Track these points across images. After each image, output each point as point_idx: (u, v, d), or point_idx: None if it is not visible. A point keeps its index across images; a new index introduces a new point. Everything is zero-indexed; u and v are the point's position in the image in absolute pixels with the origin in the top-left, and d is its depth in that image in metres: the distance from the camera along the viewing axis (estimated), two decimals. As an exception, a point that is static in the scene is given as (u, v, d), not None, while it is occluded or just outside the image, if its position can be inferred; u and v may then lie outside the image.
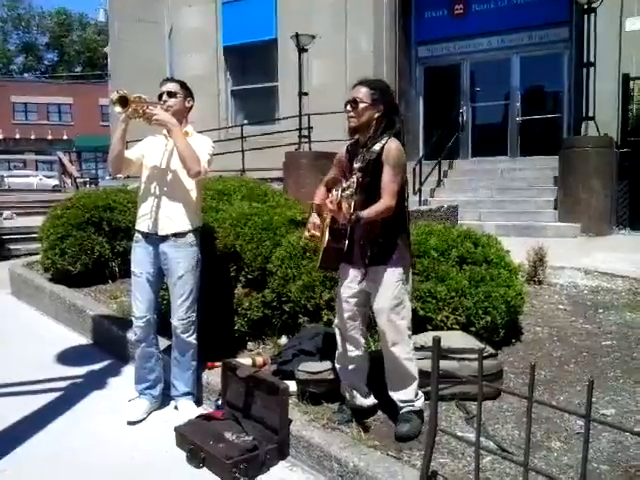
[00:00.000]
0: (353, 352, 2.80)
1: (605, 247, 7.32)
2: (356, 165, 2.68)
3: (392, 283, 2.62)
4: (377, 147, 2.61)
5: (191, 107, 3.31)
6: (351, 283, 2.72)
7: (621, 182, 9.41)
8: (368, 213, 2.53)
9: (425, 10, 13.40)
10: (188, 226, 3.16)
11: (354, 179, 2.56)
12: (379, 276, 2.63)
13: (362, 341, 2.82)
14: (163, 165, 3.18)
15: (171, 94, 3.18)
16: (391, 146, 2.59)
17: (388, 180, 2.56)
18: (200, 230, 3.29)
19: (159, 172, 3.17)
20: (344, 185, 2.52)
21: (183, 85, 3.26)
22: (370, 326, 2.91)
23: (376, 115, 2.66)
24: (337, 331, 2.84)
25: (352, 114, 2.67)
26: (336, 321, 2.85)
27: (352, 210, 2.48)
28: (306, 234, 2.85)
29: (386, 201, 2.55)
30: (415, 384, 2.71)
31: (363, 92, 2.66)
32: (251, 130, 13.14)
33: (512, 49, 12.59)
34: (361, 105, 2.64)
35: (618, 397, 3.02)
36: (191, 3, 14.50)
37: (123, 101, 2.97)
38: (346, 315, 2.75)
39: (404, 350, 2.66)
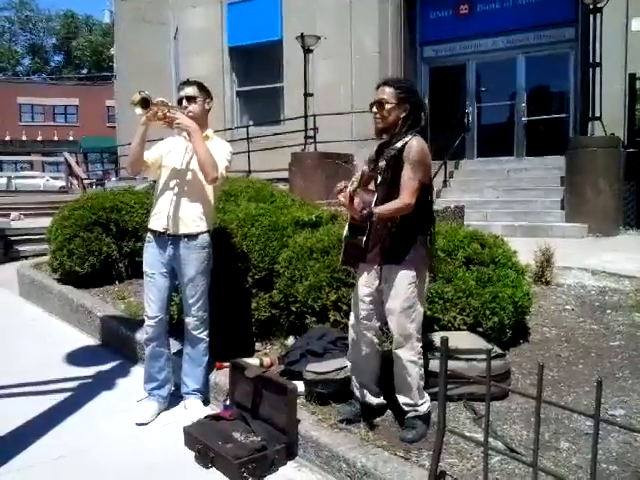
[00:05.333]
0: (365, 351, 2.80)
1: (612, 247, 7.28)
2: (381, 163, 2.67)
3: (404, 285, 2.61)
4: (399, 144, 2.60)
5: (210, 108, 3.31)
6: (367, 282, 2.72)
7: (628, 182, 9.36)
8: (381, 210, 2.53)
9: (430, 10, 13.38)
10: (201, 228, 3.18)
11: (359, 173, 2.54)
12: (392, 276, 2.62)
13: (375, 341, 2.81)
14: (182, 167, 3.19)
15: (190, 99, 3.18)
16: (413, 144, 2.57)
17: (407, 178, 2.54)
18: (211, 231, 3.31)
19: (177, 173, 3.19)
20: (353, 179, 2.51)
21: (201, 87, 3.26)
22: (384, 325, 2.90)
23: (402, 115, 2.65)
24: (350, 329, 2.84)
25: (378, 115, 2.66)
26: (351, 319, 2.84)
27: (363, 205, 2.48)
28: (340, 198, 2.57)
29: (403, 199, 2.54)
30: (418, 388, 2.70)
31: (388, 92, 2.64)
32: (257, 131, 13.15)
33: (518, 49, 12.54)
34: (387, 106, 2.63)
35: (627, 398, 3.01)
36: (196, 4, 14.53)
37: (144, 103, 2.97)
38: (362, 314, 2.75)
39: (409, 353, 2.65)
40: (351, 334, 2.84)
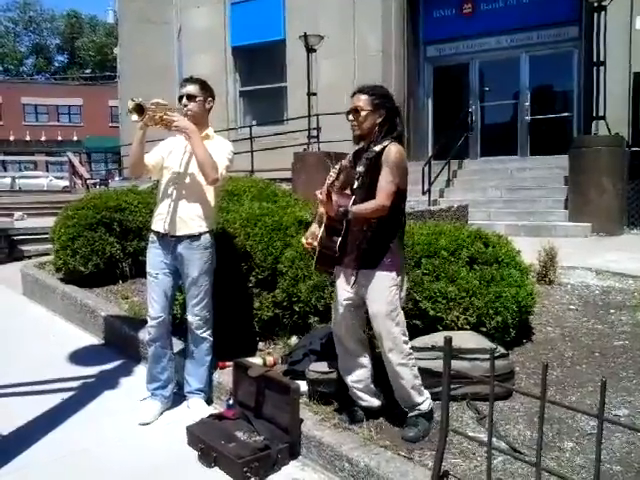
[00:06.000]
0: (354, 354, 2.80)
1: (616, 247, 7.27)
2: (359, 168, 2.68)
3: (386, 288, 2.61)
4: (377, 148, 2.62)
5: (211, 108, 3.29)
6: (345, 286, 2.72)
7: (632, 181, 9.33)
8: (358, 209, 2.55)
9: (433, 9, 13.38)
10: (203, 228, 3.17)
11: (336, 169, 2.55)
12: (372, 280, 2.62)
13: (360, 344, 2.82)
14: (182, 167, 3.18)
15: (191, 97, 3.15)
16: (391, 149, 2.59)
17: (384, 181, 2.56)
18: (214, 231, 3.30)
19: (178, 174, 3.18)
20: (330, 173, 2.52)
21: (203, 85, 3.22)
22: (369, 328, 2.89)
23: (378, 120, 2.66)
24: (334, 335, 2.84)
25: (355, 123, 2.68)
26: (333, 324, 2.84)
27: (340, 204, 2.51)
28: (303, 241, 2.82)
29: (379, 200, 2.55)
30: (415, 388, 2.70)
31: (363, 99, 2.66)
32: (260, 131, 13.17)
33: (521, 48, 12.53)
34: (363, 113, 2.65)
35: (631, 397, 3.00)
36: (200, 4, 14.56)
37: (139, 109, 2.96)
38: (342, 318, 2.75)
39: (398, 357, 2.65)
40: (336, 340, 2.84)
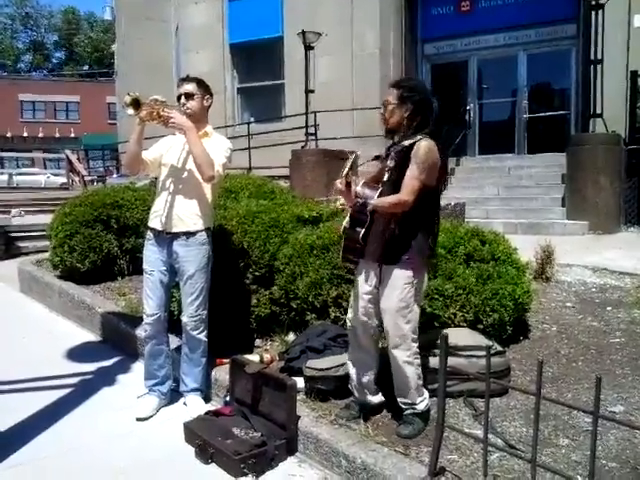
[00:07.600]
0: (365, 349, 2.81)
1: (613, 245, 7.28)
2: (389, 162, 2.67)
3: (400, 285, 2.60)
4: (407, 142, 2.60)
5: (210, 105, 3.29)
6: (367, 279, 2.72)
7: (629, 179, 9.35)
8: (379, 201, 2.55)
9: (431, 7, 13.36)
10: (199, 225, 3.16)
11: (351, 157, 2.54)
12: (388, 275, 2.62)
13: (374, 339, 2.82)
14: (179, 164, 3.18)
15: (189, 95, 3.16)
16: (421, 144, 2.55)
17: (410, 176, 2.53)
18: (212, 229, 3.30)
19: (175, 171, 3.18)
20: (346, 162, 2.51)
21: (201, 84, 3.23)
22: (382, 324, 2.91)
23: (406, 114, 2.64)
24: (349, 326, 2.85)
25: (385, 116, 2.68)
26: (350, 316, 2.85)
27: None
28: (337, 182, 2.66)
29: (401, 195, 2.52)
30: (416, 388, 2.70)
31: (392, 93, 2.66)
32: (257, 128, 13.15)
33: (519, 46, 12.54)
34: (390, 107, 2.65)
35: (626, 394, 3.02)
36: (197, 0, 14.53)
37: (136, 103, 2.97)
38: (360, 312, 2.75)
39: (404, 354, 2.65)
40: (351, 332, 2.85)
